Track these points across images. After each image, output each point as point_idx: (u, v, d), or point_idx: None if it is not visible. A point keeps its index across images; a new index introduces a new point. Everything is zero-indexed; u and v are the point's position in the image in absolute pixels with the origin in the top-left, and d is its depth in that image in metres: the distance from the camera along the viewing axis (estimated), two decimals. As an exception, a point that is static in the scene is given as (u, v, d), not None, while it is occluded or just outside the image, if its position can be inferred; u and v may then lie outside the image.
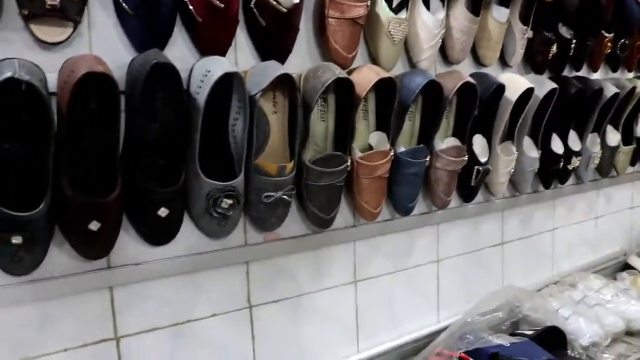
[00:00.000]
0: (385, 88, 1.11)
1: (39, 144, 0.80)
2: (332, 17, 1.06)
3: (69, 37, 0.85)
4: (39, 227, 0.82)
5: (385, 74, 1.09)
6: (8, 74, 0.74)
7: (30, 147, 0.81)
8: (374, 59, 1.18)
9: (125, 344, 0.97)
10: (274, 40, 1.02)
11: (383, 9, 1.12)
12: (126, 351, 0.97)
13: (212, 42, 0.95)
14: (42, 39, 0.83)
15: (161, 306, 0.99)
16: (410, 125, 1.24)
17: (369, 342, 1.28)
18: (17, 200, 0.78)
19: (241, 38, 1.01)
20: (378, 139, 1.17)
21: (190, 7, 0.91)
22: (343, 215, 1.17)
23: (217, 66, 0.89)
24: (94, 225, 0.86)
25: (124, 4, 0.87)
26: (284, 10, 0.98)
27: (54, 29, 0.83)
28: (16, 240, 0.81)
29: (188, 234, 0.98)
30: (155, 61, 0.83)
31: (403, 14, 1.15)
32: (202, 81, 0.89)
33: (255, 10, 0.97)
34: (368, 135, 1.18)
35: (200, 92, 0.88)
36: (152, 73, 0.83)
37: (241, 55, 1.02)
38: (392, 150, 1.14)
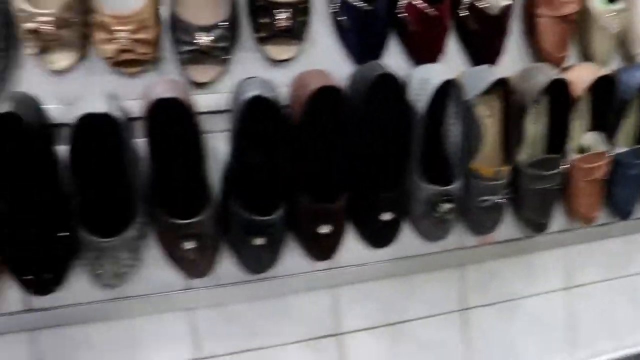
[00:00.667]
0: (601, 85, 1.05)
1: (276, 154, 0.88)
2: (543, 16, 1.04)
3: (296, 54, 0.92)
4: (278, 230, 0.91)
5: (602, 71, 1.03)
6: (255, 92, 0.83)
7: (269, 157, 0.89)
8: (586, 56, 1.12)
9: (345, 341, 1.02)
10: (484, 44, 1.02)
11: (596, 1, 1.06)
12: (347, 347, 1.02)
13: (425, 50, 0.97)
14: (274, 58, 0.92)
15: (378, 306, 1.04)
16: (630, 123, 1.15)
17: (587, 351, 1.22)
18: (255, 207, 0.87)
19: (451, 44, 1.02)
20: (593, 140, 1.11)
21: (405, 18, 0.94)
22: (556, 218, 1.13)
23: (435, 74, 0.91)
24: (325, 229, 0.92)
25: (342, 20, 0.93)
26: (494, 13, 0.97)
27: (284, 47, 0.92)
28: (259, 242, 0.90)
29: (405, 237, 1.01)
30: (379, 72, 0.87)
31: (618, 5, 1.08)
32: (422, 89, 0.91)
33: (465, 15, 0.98)
34: (581, 136, 1.12)
35: (420, 99, 0.91)
36: (375, 84, 0.88)
37: (452, 61, 1.02)
38: (611, 151, 1.08)
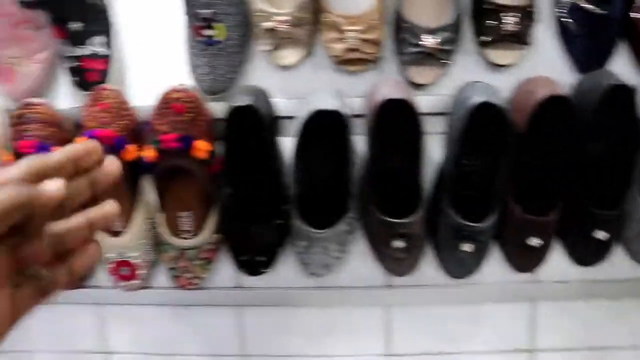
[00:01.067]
0: None
1: (497, 161, 0.86)
2: None
3: (519, 60, 0.90)
4: (486, 237, 0.89)
5: None
6: (483, 98, 0.81)
7: (490, 163, 0.88)
8: None
9: (538, 358, 0.98)
10: None
11: None
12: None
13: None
14: (496, 62, 0.90)
15: (579, 327, 0.98)
16: None
17: None
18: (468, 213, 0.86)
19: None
20: None
21: (636, 22, 0.87)
22: None
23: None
24: (534, 242, 0.89)
25: (569, 25, 0.89)
26: None
27: (508, 52, 0.89)
28: (468, 248, 0.89)
29: (615, 258, 0.95)
30: (613, 83, 0.82)
31: None
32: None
33: None
34: None
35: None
36: (608, 94, 0.83)
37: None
38: None
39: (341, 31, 0.86)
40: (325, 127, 0.84)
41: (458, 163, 0.87)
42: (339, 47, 0.87)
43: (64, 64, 0.92)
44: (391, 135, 0.86)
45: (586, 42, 0.89)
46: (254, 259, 0.94)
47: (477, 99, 0.82)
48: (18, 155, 0.86)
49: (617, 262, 0.95)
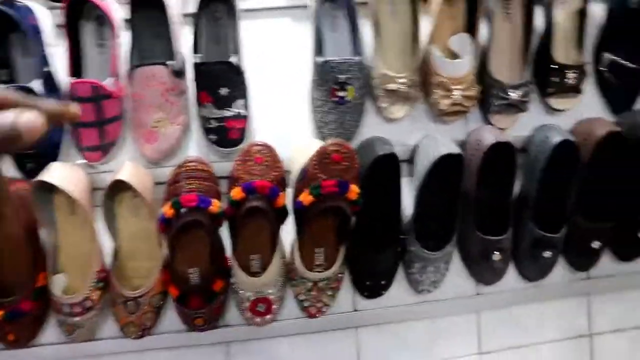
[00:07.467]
0: None
1: (570, 187, 1.10)
2: None
3: (575, 106, 1.15)
4: (560, 245, 1.13)
5: None
6: (562, 137, 1.05)
7: (567, 189, 1.11)
8: None
9: (597, 341, 1.23)
10: None
11: None
12: (598, 347, 1.23)
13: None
14: (557, 108, 1.15)
15: (630, 310, 1.24)
16: None
17: None
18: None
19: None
20: None
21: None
22: None
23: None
24: (595, 244, 1.14)
25: (609, 77, 1.16)
26: None
27: (567, 100, 1.14)
28: (547, 254, 1.11)
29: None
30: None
31: None
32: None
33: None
34: None
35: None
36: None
37: None
38: None
39: (449, 90, 1.06)
40: (446, 168, 1.03)
41: (539, 191, 1.09)
42: (446, 102, 1.07)
43: (204, 125, 1.03)
44: (491, 169, 1.07)
45: (622, 91, 1.16)
46: (378, 282, 1.11)
47: (558, 138, 1.05)
48: (179, 208, 0.95)
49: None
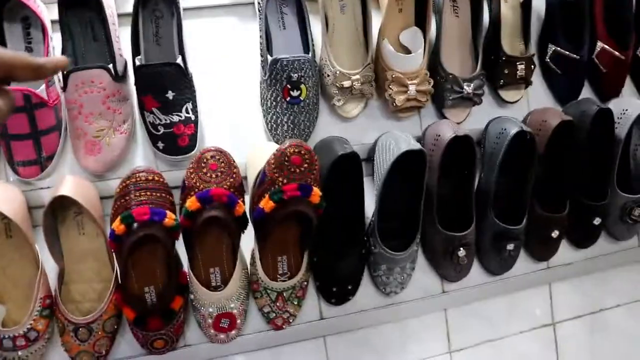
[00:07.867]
0: None
1: (524, 177, 1.10)
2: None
3: (522, 97, 1.16)
4: (522, 237, 1.12)
5: None
6: (518, 128, 1.05)
7: (519, 180, 1.11)
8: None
9: (559, 329, 1.24)
10: None
11: None
12: (560, 335, 1.24)
13: (612, 88, 1.23)
14: (508, 100, 1.15)
15: (587, 296, 1.25)
16: None
17: None
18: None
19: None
20: None
21: (597, 62, 1.19)
22: None
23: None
24: (554, 234, 1.15)
25: (554, 67, 1.18)
26: None
27: (517, 92, 1.15)
28: (510, 247, 1.11)
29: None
30: (598, 108, 1.11)
31: None
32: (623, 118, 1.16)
33: None
34: None
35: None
36: (596, 118, 1.12)
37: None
38: None
39: (404, 85, 1.04)
40: (408, 165, 1.01)
41: (497, 182, 1.09)
42: (401, 97, 1.05)
43: (151, 132, 0.96)
44: (454, 164, 1.05)
45: (566, 81, 1.18)
46: (346, 287, 1.06)
47: (515, 129, 1.05)
48: (131, 222, 0.87)
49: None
